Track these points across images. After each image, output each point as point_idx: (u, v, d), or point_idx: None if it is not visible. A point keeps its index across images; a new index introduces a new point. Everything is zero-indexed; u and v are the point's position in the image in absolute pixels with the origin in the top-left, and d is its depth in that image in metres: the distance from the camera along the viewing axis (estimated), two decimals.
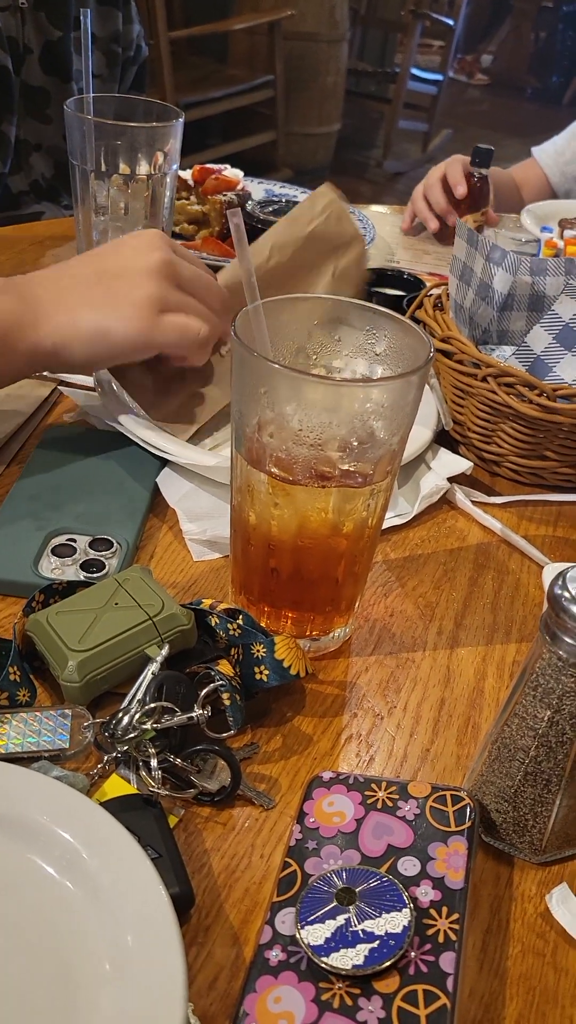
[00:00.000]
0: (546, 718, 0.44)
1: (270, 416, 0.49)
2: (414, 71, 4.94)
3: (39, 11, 1.27)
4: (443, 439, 0.79)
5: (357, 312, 0.54)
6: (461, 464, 0.74)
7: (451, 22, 4.79)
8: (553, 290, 0.82)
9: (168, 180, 0.86)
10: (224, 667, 0.52)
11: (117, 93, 1.40)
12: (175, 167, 0.87)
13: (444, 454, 0.76)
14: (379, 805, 0.47)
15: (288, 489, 0.51)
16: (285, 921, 0.42)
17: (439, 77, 4.91)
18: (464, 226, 0.79)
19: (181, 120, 0.85)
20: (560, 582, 0.42)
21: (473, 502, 0.73)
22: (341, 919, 0.41)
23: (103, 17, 1.40)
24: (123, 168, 0.85)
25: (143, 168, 0.85)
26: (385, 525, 0.69)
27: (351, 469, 0.51)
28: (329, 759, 0.52)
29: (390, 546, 0.68)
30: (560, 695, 0.43)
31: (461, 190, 1.23)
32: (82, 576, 0.59)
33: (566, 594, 0.42)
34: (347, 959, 0.39)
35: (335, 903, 0.41)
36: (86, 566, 0.60)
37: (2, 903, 0.40)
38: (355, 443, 0.50)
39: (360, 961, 0.39)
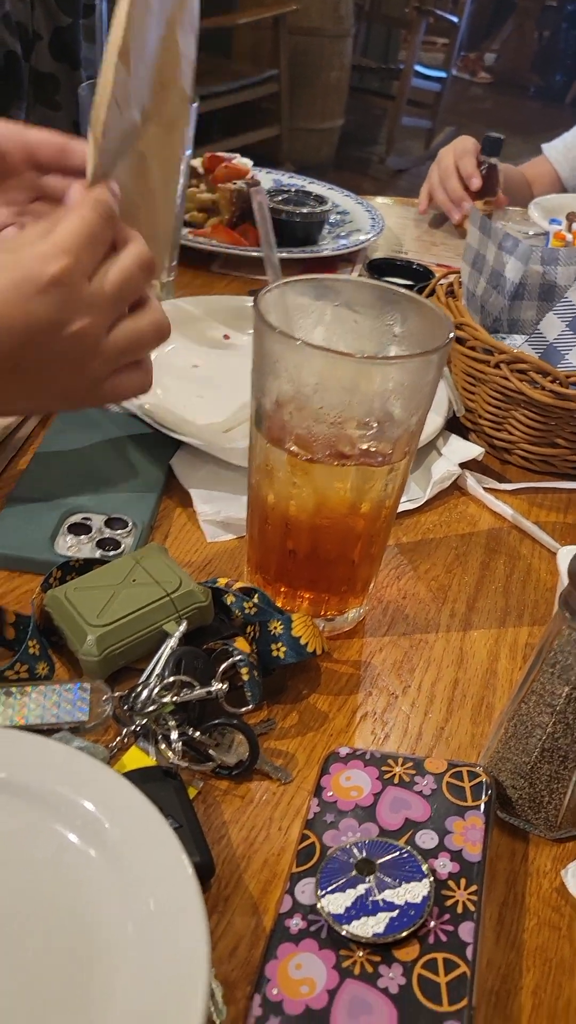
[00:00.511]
0: (564, 694, 0.45)
1: (291, 394, 0.50)
2: (418, 68, 4.94)
3: None
4: (454, 427, 0.79)
5: (378, 292, 0.54)
6: (472, 450, 0.74)
7: (455, 19, 4.79)
8: (564, 279, 0.82)
9: (181, 165, 0.86)
10: (241, 644, 0.52)
11: None
12: (188, 152, 0.87)
13: (455, 440, 0.76)
14: (396, 780, 0.47)
15: (307, 467, 0.51)
16: (305, 891, 0.42)
17: (443, 74, 4.90)
18: (478, 214, 0.80)
19: (195, 105, 0.85)
20: None
21: (484, 488, 0.74)
22: (361, 889, 0.41)
23: (113, 5, 1.40)
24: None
25: None
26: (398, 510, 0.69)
27: (370, 448, 0.51)
28: (345, 736, 0.52)
29: (402, 530, 0.69)
30: None
31: (476, 183, 1.24)
32: (98, 554, 0.59)
33: None
34: (368, 927, 0.40)
35: (355, 873, 0.42)
36: (102, 544, 0.60)
37: (26, 870, 0.40)
38: (375, 422, 0.50)
39: (381, 929, 0.40)
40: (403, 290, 0.53)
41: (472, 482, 0.74)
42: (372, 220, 1.18)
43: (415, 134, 4.96)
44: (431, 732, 0.53)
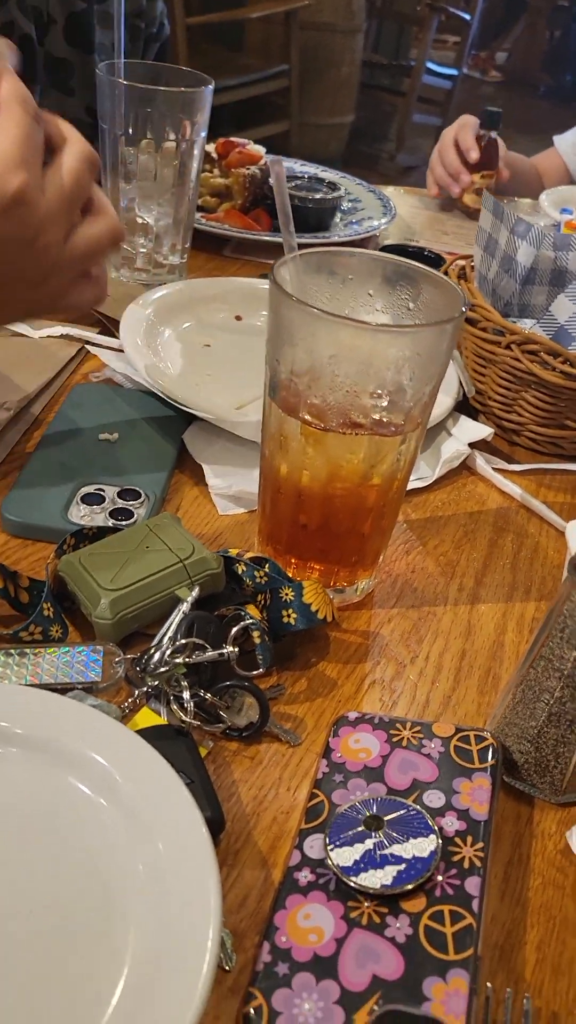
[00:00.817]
0: (572, 659, 0.45)
1: (306, 363, 0.50)
2: (429, 65, 4.94)
3: None
4: (464, 408, 0.80)
5: (392, 266, 0.54)
6: (482, 431, 0.75)
7: (467, 17, 4.79)
8: (575, 265, 0.83)
9: (196, 149, 0.87)
10: (252, 611, 0.53)
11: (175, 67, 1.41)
12: (204, 135, 0.88)
13: (465, 421, 0.77)
14: (404, 743, 0.48)
15: (320, 437, 0.52)
16: (313, 846, 0.43)
17: (454, 72, 4.90)
18: (490, 197, 0.80)
19: (211, 87, 0.86)
20: None
21: (494, 468, 0.74)
22: (369, 843, 0.42)
23: None
24: (152, 135, 0.86)
25: (172, 135, 0.86)
26: (407, 487, 0.70)
27: (383, 418, 0.52)
28: (353, 702, 0.53)
29: (412, 507, 0.70)
30: None
31: (474, 155, 1.26)
32: (111, 523, 0.60)
33: None
34: (375, 879, 0.40)
35: (363, 828, 0.43)
36: (115, 514, 0.61)
37: (43, 821, 0.41)
38: (388, 392, 0.51)
39: (388, 881, 0.40)
40: (417, 264, 0.54)
41: (481, 462, 0.74)
42: (384, 207, 1.18)
43: (425, 131, 4.96)
44: (438, 700, 0.54)
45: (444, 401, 0.76)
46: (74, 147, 0.53)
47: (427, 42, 4.63)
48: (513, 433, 0.79)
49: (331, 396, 0.50)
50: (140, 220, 0.89)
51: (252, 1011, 0.37)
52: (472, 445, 0.75)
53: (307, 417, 0.51)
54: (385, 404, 0.51)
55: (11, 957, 0.36)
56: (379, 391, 0.51)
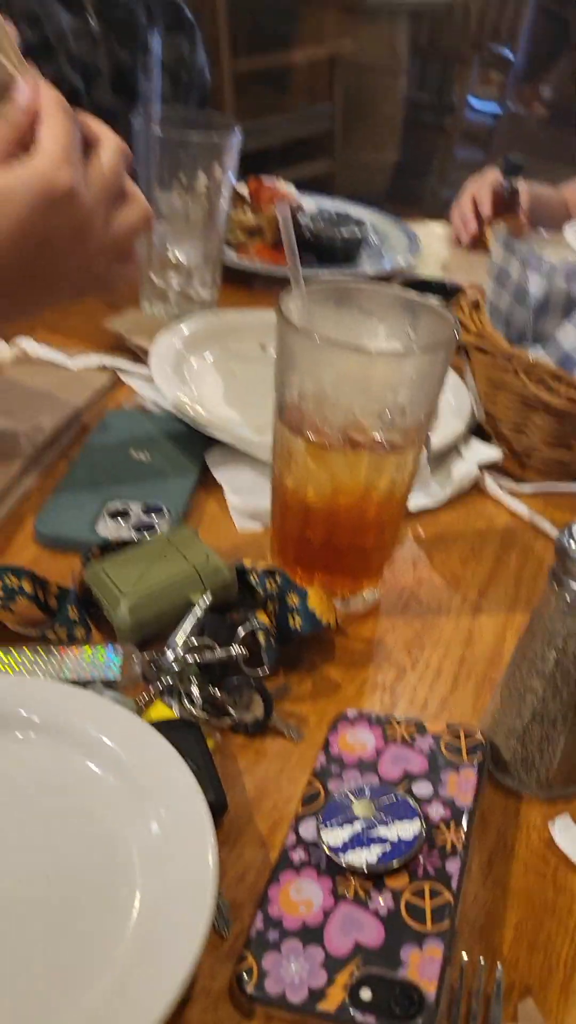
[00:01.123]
0: (552, 659, 0.49)
1: (309, 386, 0.55)
2: (472, 102, 5.01)
3: (110, 36, 1.36)
4: (477, 432, 0.83)
5: (393, 298, 0.59)
6: (492, 453, 0.79)
7: (510, 55, 4.85)
8: None
9: (224, 190, 0.93)
10: (261, 616, 0.57)
11: (203, 115, 1.48)
12: (232, 177, 0.94)
13: (476, 444, 0.80)
14: (398, 739, 0.51)
15: (323, 454, 0.56)
16: (308, 828, 0.46)
17: (497, 109, 4.97)
18: (500, 232, 0.84)
19: (238, 133, 0.91)
20: (567, 533, 0.47)
21: (502, 488, 0.77)
22: (358, 826, 0.45)
23: (170, 44, 1.49)
24: (183, 178, 0.92)
25: (202, 178, 0.92)
26: (417, 508, 0.74)
27: (382, 437, 0.56)
28: (355, 702, 0.56)
29: (421, 525, 0.73)
30: (565, 636, 0.48)
31: (485, 210, 1.32)
32: (134, 536, 0.65)
33: (572, 544, 0.46)
34: (362, 857, 0.44)
35: (354, 812, 0.46)
36: (138, 528, 0.66)
37: (58, 796, 0.45)
38: (386, 413, 0.55)
39: (374, 860, 0.44)
40: (417, 296, 0.58)
41: (491, 482, 0.78)
42: (409, 242, 1.23)
43: (469, 167, 5.02)
44: (436, 702, 0.57)
45: (455, 425, 0.80)
46: (109, 142, 0.60)
47: (469, 80, 4.70)
48: (524, 456, 0.82)
49: (332, 416, 0.55)
50: (172, 258, 0.94)
51: (244, 971, 0.40)
52: (483, 467, 0.78)
53: (311, 436, 0.56)
54: (383, 424, 0.55)
55: (30, 915, 0.40)
56: (377, 412, 0.55)
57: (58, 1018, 0.37)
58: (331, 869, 0.44)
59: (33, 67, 0.61)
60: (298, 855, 0.45)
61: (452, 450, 0.80)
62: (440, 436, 0.79)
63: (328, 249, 1.14)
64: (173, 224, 0.93)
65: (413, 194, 4.81)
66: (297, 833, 0.46)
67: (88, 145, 0.59)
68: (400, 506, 0.60)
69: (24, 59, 0.58)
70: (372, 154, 4.44)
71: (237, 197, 1.19)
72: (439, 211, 1.54)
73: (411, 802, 0.46)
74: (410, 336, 0.59)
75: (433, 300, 0.99)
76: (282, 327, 0.54)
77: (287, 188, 1.20)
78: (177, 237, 0.94)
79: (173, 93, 1.53)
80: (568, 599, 0.47)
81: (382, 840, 0.45)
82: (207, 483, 0.74)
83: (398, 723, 0.52)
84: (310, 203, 1.31)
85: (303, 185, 1.34)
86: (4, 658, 0.53)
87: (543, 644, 0.49)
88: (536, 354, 0.79)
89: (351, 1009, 0.38)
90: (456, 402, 0.84)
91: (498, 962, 0.42)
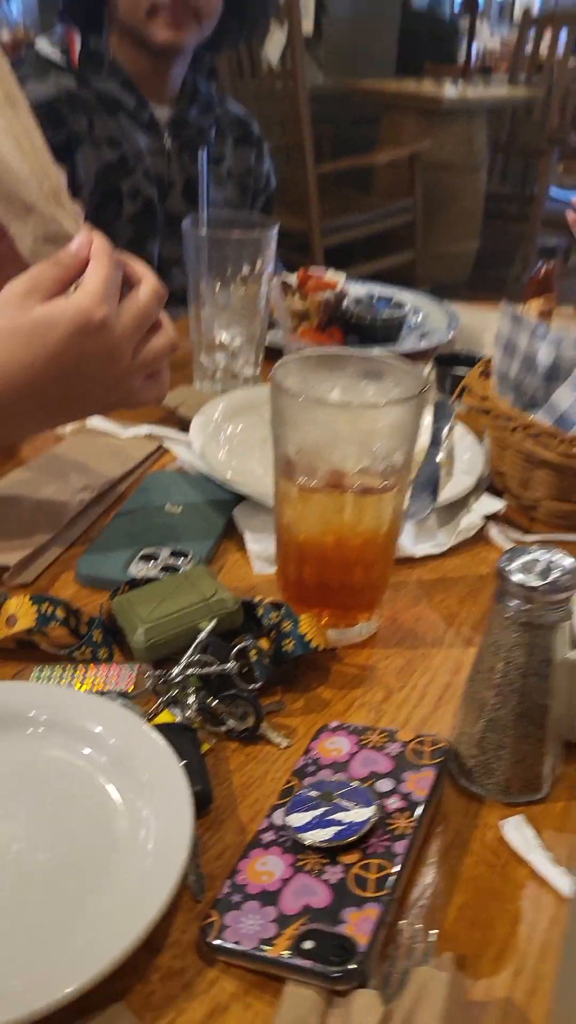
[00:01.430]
0: (500, 670, 0.55)
1: (299, 438, 0.63)
2: (553, 192, 5.15)
3: (183, 153, 1.52)
4: (491, 489, 0.90)
5: (377, 363, 0.67)
6: (496, 504, 0.85)
7: None
8: None
9: (264, 279, 1.04)
10: (262, 641, 0.65)
11: (248, 216, 1.63)
12: (271, 268, 1.05)
13: (485, 498, 0.87)
14: (371, 745, 0.58)
15: (311, 497, 0.64)
16: (279, 815, 0.53)
17: None
18: (509, 308, 0.92)
19: (275, 232, 1.03)
20: (506, 557, 0.54)
21: (508, 538, 0.84)
22: (320, 811, 0.52)
23: (239, 155, 1.65)
24: (229, 270, 1.03)
25: (245, 270, 1.04)
26: (423, 554, 0.81)
27: (365, 481, 0.63)
28: (342, 717, 0.63)
29: (425, 571, 0.80)
30: (508, 648, 0.54)
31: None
32: (160, 575, 0.74)
33: (508, 566, 0.53)
34: (319, 836, 0.50)
35: (317, 800, 0.53)
36: (165, 569, 0.75)
37: (60, 779, 0.54)
38: (367, 459, 0.63)
39: (328, 837, 0.50)
40: (395, 360, 0.67)
41: (495, 531, 0.84)
42: (448, 320, 1.32)
43: (551, 253, 5.15)
44: (417, 720, 0.63)
45: (464, 480, 0.87)
46: (147, 284, 0.72)
47: (548, 173, 4.84)
48: (531, 509, 0.88)
49: (318, 464, 0.63)
50: (218, 340, 1.06)
51: (207, 925, 0.47)
52: (490, 517, 0.85)
53: (301, 481, 0.64)
54: (365, 469, 0.63)
55: (36, 876, 0.48)
56: (359, 458, 0.63)
57: (62, 939, 0.45)
58: (295, 848, 0.51)
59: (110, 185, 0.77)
60: (268, 836, 0.52)
61: (462, 505, 0.87)
62: (449, 491, 0.86)
63: (369, 330, 1.24)
64: (219, 310, 1.05)
65: (496, 281, 4.94)
66: (270, 819, 0.53)
67: (130, 283, 0.71)
68: (386, 544, 0.67)
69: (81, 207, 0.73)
70: (453, 244, 4.60)
71: (286, 286, 1.31)
72: (522, 295, 1.62)
73: (369, 792, 0.53)
74: (391, 393, 0.67)
75: (460, 368, 1.07)
76: (272, 390, 0.63)
77: (335, 276, 1.32)
78: (222, 322, 1.05)
79: (241, 199, 1.69)
80: (507, 614, 0.53)
81: (339, 823, 0.51)
82: (233, 535, 0.82)
83: (373, 732, 0.59)
84: (360, 289, 1.42)
85: (387, 275, 1.45)
86: (37, 673, 0.63)
87: (492, 656, 0.55)
88: (536, 416, 0.86)
89: (294, 955, 0.45)
90: (469, 461, 0.91)
91: (432, 930, 0.48)
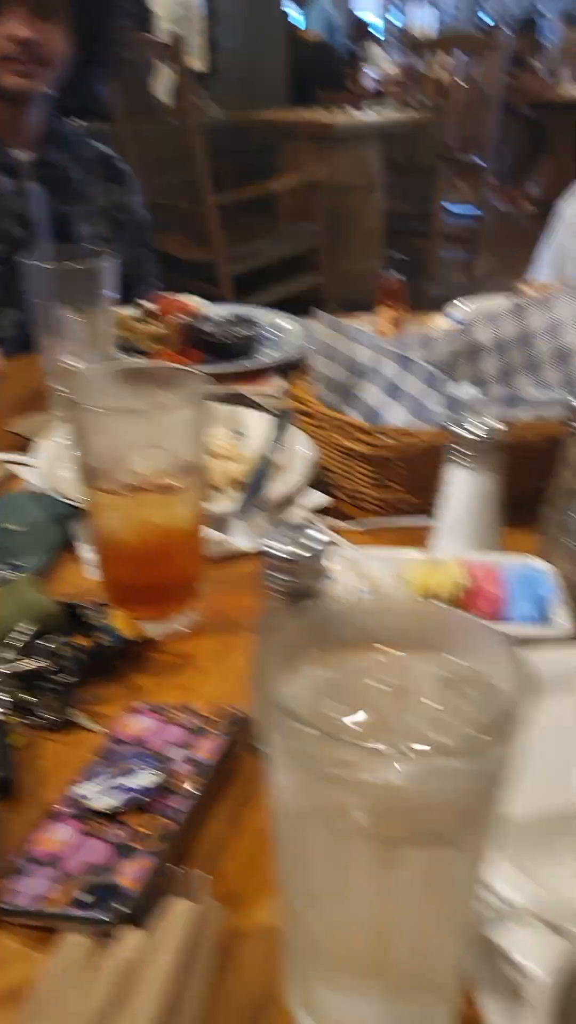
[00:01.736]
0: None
1: (93, 446, 0.68)
2: (451, 207, 5.34)
3: (48, 193, 1.58)
4: (319, 486, 0.96)
5: (167, 372, 0.73)
6: (321, 499, 0.91)
7: (479, 161, 5.16)
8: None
9: (103, 307, 1.10)
10: (79, 639, 0.69)
11: (121, 250, 1.69)
12: (109, 297, 1.11)
13: (309, 492, 0.93)
14: (170, 720, 0.63)
15: (111, 500, 0.69)
16: (73, 789, 0.57)
17: (475, 211, 5.28)
18: (326, 316, 0.99)
19: (109, 262, 1.09)
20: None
21: (332, 528, 0.89)
22: (112, 780, 0.56)
23: (108, 191, 1.71)
24: (71, 300, 1.09)
25: (87, 299, 1.09)
26: (251, 549, 0.86)
27: (158, 480, 0.69)
28: (153, 699, 0.68)
29: (254, 564, 0.85)
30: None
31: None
32: None
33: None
34: (107, 802, 0.55)
35: (108, 770, 0.57)
36: None
37: None
38: (157, 460, 0.68)
39: (115, 802, 0.55)
40: (185, 368, 0.72)
41: (319, 525, 0.90)
42: (305, 336, 1.38)
43: (456, 266, 5.34)
44: (227, 696, 0.68)
45: (292, 478, 0.93)
46: None
47: (441, 189, 5.02)
48: (357, 500, 0.94)
49: (113, 468, 0.68)
50: (66, 367, 1.11)
51: None
52: (319, 511, 0.91)
53: (101, 486, 0.69)
54: (157, 469, 0.68)
55: None
56: (149, 459, 0.68)
57: None
58: (84, 815, 0.55)
59: None
60: (60, 809, 0.56)
61: (289, 501, 0.93)
62: (277, 489, 0.91)
63: (223, 348, 1.30)
64: (65, 338, 1.10)
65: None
66: (66, 794, 0.57)
67: None
68: (190, 540, 0.73)
69: None
70: (357, 264, 4.72)
71: (147, 312, 1.36)
72: (428, 306, 1.68)
73: (156, 760, 0.57)
74: (180, 398, 0.73)
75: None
76: (68, 405, 0.69)
77: (191, 300, 1.38)
78: (69, 349, 1.10)
79: (114, 233, 1.74)
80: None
81: (126, 790, 0.56)
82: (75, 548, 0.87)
83: (179, 710, 0.64)
84: (221, 311, 1.48)
85: (295, 299, 1.51)
86: None
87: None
88: (349, 413, 0.92)
89: (71, 907, 0.49)
90: (298, 461, 0.97)
91: (195, 870, 0.52)
